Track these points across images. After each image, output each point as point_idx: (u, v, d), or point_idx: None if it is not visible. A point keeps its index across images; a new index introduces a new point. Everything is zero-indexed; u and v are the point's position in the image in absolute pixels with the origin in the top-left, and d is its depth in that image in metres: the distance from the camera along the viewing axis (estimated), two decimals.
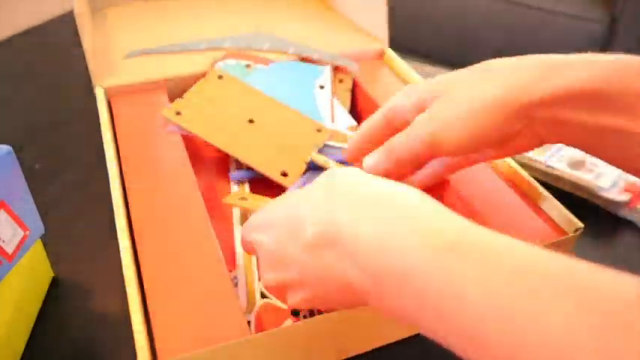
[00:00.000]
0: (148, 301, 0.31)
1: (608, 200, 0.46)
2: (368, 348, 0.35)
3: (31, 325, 0.36)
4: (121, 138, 0.44)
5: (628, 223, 0.47)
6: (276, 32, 0.59)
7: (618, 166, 0.31)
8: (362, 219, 0.23)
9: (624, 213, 0.47)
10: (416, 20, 1.43)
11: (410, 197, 0.24)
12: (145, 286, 0.32)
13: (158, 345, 0.29)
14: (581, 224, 0.37)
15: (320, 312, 0.34)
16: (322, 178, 0.27)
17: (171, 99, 0.48)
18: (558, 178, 0.48)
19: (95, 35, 0.58)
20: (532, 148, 0.32)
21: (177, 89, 0.49)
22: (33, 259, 0.37)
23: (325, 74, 0.50)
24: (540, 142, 0.32)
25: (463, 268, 0.20)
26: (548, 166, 0.49)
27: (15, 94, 0.64)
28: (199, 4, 0.67)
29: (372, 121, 0.35)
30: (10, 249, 0.32)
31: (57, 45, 0.73)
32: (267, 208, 0.29)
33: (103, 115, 0.45)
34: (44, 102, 0.62)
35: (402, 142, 0.32)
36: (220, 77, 0.48)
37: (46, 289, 0.39)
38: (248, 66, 0.51)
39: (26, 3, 2.09)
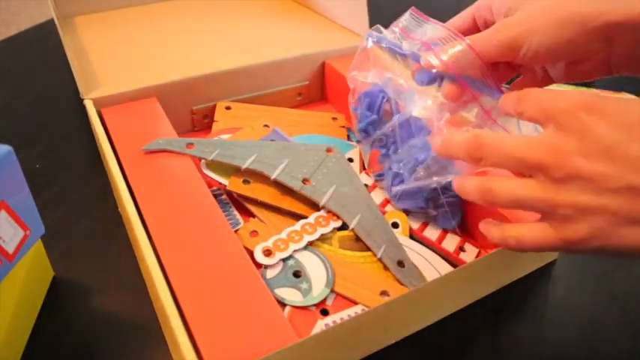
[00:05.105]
0: (185, 314, 0.30)
1: None
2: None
3: (31, 325, 0.36)
4: (121, 150, 0.42)
5: None
6: (257, 35, 0.59)
7: None
8: None
9: None
10: None
11: None
12: (179, 298, 0.30)
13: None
14: None
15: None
16: None
17: (163, 106, 0.47)
18: None
19: (72, 44, 0.57)
20: (599, 77, 0.33)
21: (167, 97, 0.49)
22: (33, 259, 0.37)
23: (355, 150, 0.50)
24: (609, 71, 0.32)
25: None
26: None
27: (15, 94, 0.64)
28: (176, 10, 0.67)
29: (460, 17, 0.36)
30: (10, 249, 0.32)
31: (57, 45, 0.73)
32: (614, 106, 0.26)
33: (98, 128, 0.43)
34: (44, 102, 0.62)
35: (479, 40, 0.31)
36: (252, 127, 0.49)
37: (46, 289, 0.39)
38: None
39: (27, 4, 2.09)
